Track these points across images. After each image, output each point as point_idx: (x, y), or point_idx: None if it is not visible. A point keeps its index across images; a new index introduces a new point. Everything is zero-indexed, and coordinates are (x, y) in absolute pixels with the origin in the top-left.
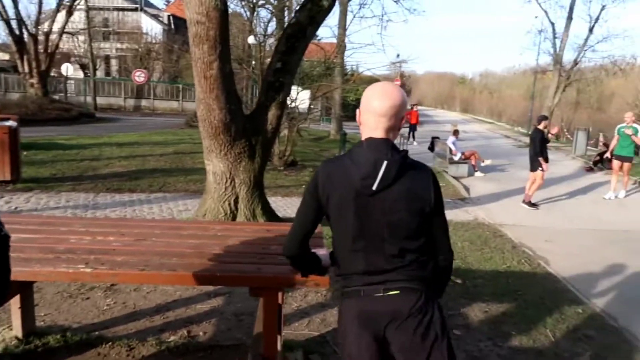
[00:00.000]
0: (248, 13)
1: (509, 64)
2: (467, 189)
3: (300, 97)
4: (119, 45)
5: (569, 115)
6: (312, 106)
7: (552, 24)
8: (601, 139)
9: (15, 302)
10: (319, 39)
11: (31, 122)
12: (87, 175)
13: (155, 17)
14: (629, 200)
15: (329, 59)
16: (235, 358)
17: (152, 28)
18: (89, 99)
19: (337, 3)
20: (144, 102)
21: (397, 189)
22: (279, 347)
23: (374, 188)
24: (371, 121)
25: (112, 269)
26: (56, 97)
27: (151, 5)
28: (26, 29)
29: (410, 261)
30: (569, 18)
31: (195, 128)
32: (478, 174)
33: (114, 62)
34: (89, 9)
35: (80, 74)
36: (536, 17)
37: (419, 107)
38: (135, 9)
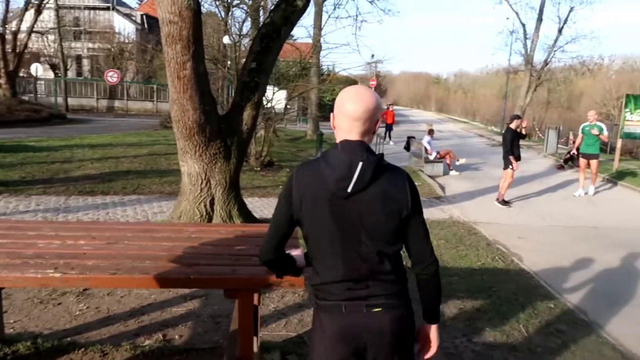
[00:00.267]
0: (223, 13)
1: (482, 64)
2: (442, 187)
3: (276, 98)
4: (90, 45)
5: (541, 114)
6: (288, 106)
7: (523, 25)
8: (571, 137)
9: None
10: (295, 39)
11: None
12: (58, 178)
13: (128, 16)
14: (597, 197)
15: (305, 59)
16: None
17: (125, 27)
18: (60, 99)
19: (312, 3)
20: (117, 103)
21: (372, 191)
22: (255, 348)
23: (349, 190)
24: (345, 125)
25: (82, 274)
26: (25, 98)
27: (123, 4)
28: None
29: (389, 270)
30: (539, 19)
31: (170, 129)
32: (453, 172)
33: (85, 62)
34: (58, 8)
35: (50, 75)
36: (507, 18)
37: (395, 107)
38: (107, 8)
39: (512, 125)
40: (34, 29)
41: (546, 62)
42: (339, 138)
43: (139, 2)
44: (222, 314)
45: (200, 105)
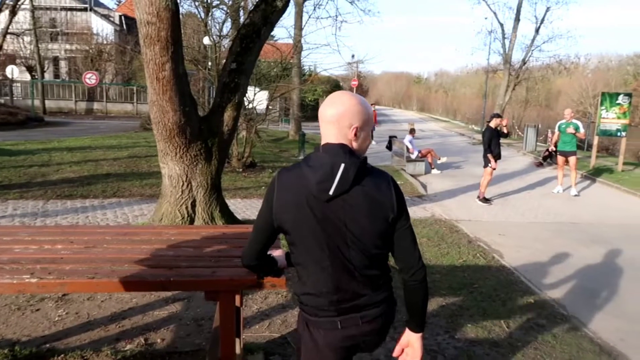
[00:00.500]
0: (203, 14)
1: (462, 64)
2: (424, 186)
3: (258, 98)
4: (68, 47)
5: (520, 113)
6: (270, 107)
7: (501, 24)
8: (550, 135)
9: None
10: (276, 40)
11: None
12: (35, 181)
13: (106, 17)
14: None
15: (286, 60)
16: None
17: (103, 29)
18: (37, 102)
19: (292, 4)
20: (96, 105)
21: (356, 193)
22: (238, 350)
23: (330, 192)
24: (323, 128)
25: (59, 278)
26: (1, 100)
27: (101, 5)
28: None
29: (377, 275)
30: (517, 19)
31: (151, 131)
32: (434, 171)
33: (63, 63)
34: (34, 9)
35: (26, 77)
36: (486, 18)
37: (377, 107)
38: (85, 9)
39: (492, 124)
40: (9, 31)
41: (524, 61)
42: (322, 142)
43: (117, 2)
44: (205, 316)
45: (180, 106)
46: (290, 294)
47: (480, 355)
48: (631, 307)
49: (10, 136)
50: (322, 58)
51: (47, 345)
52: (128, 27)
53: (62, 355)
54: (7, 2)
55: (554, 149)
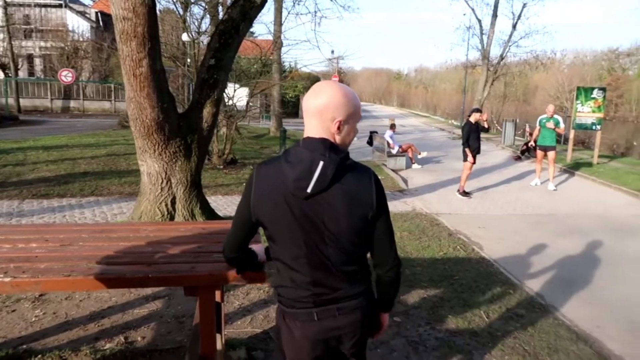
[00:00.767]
0: (181, 10)
1: (442, 60)
2: (405, 180)
3: (238, 95)
4: (42, 44)
5: (498, 108)
6: (250, 103)
7: (479, 20)
8: (527, 129)
9: None
10: (255, 36)
11: None
12: (10, 181)
13: (82, 13)
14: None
15: (266, 56)
16: None
17: (79, 25)
18: (11, 100)
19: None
20: (72, 103)
21: (335, 191)
22: (219, 345)
23: (308, 190)
24: (306, 120)
25: (34, 277)
26: None
27: (77, 2)
28: None
29: (355, 270)
30: (494, 15)
31: (129, 129)
32: (415, 166)
33: (37, 61)
34: (7, 5)
35: (0, 75)
36: (464, 14)
37: None
38: (60, 5)
39: (472, 119)
40: None
41: (502, 57)
42: (304, 134)
43: None
44: (186, 313)
45: (158, 103)
46: (271, 290)
47: (461, 345)
48: (607, 295)
49: None
50: (302, 54)
51: (24, 346)
52: (104, 23)
53: (40, 356)
54: None
55: (533, 144)
